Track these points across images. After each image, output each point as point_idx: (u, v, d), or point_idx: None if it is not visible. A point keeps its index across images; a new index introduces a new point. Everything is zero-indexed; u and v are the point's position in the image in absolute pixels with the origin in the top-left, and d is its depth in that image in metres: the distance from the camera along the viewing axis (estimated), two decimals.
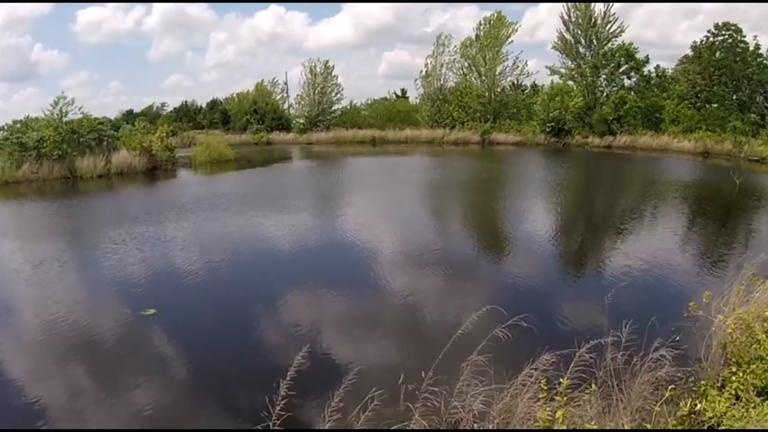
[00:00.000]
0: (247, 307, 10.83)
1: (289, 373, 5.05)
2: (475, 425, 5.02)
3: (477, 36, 57.80)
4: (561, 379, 5.07)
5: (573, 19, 52.79)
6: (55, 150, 30.63)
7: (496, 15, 56.98)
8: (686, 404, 5.31)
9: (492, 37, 56.40)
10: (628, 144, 46.64)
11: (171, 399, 7.45)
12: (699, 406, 5.42)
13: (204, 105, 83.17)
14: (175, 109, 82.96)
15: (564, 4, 52.89)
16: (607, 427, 5.02)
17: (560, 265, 14.00)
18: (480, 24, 58.17)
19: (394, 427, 5.26)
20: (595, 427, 4.69)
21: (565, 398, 4.89)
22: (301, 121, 65.40)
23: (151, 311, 10.24)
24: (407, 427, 5.17)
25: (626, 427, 4.62)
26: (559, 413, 4.55)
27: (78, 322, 9.91)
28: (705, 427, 5.36)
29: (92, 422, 6.85)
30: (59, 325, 9.79)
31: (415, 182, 29.63)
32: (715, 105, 47.92)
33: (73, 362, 8.50)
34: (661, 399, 5.32)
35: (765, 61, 48.55)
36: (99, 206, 24.07)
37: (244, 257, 14.54)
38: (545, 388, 5.03)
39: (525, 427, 4.94)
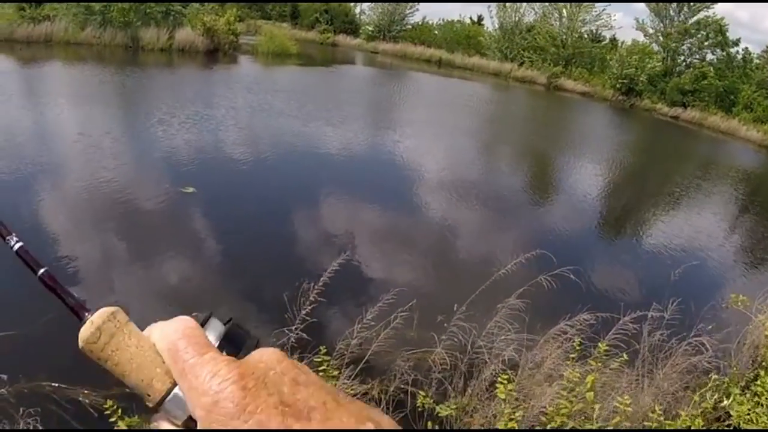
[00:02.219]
0: (288, 204, 10.80)
1: (322, 279, 4.95)
2: (499, 369, 4.86)
3: None
4: (599, 343, 4.89)
5: None
6: (120, 17, 30.35)
7: None
8: (712, 398, 5.12)
9: None
10: (696, 120, 44.70)
11: (195, 275, 7.51)
12: (724, 402, 5.25)
13: None
14: None
15: None
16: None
17: (615, 226, 13.69)
18: None
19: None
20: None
21: (600, 364, 4.72)
22: (371, 28, 63.91)
23: (191, 189, 10.27)
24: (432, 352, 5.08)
25: (657, 408, 4.44)
26: (590, 378, 4.39)
27: (120, 189, 9.97)
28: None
29: (116, 283, 6.96)
30: (102, 189, 9.88)
31: (475, 112, 29.01)
32: None
33: (108, 225, 8.62)
34: (688, 386, 5.17)
35: None
36: (158, 80, 24.01)
37: (290, 154, 14.45)
38: (578, 348, 4.86)
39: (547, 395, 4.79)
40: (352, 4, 68.89)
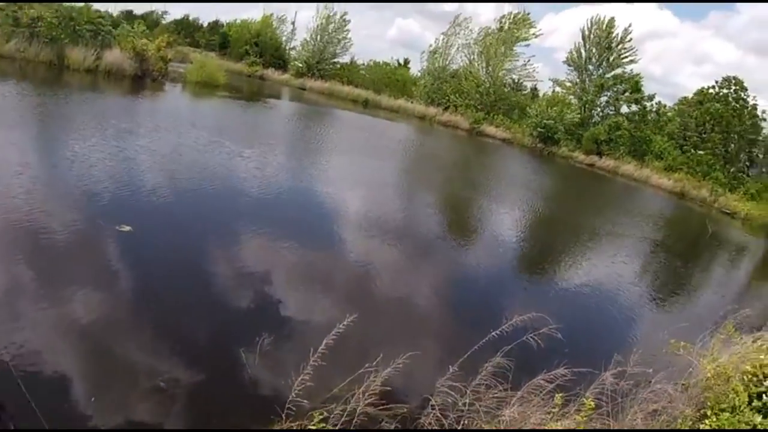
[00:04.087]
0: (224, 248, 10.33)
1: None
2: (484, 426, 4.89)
3: (500, 28, 58.60)
4: (584, 399, 5.02)
5: (592, 37, 54.44)
6: (48, 32, 29.22)
7: (522, 14, 58.50)
8: None
9: (511, 34, 57.48)
10: (611, 168, 47.15)
11: (115, 317, 6.94)
12: None
13: (205, 24, 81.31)
14: (175, 21, 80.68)
15: (586, 21, 53.90)
16: None
17: (535, 271, 14.04)
18: (504, 17, 59.25)
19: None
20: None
21: (584, 417, 4.83)
22: (300, 64, 64.11)
23: (127, 228, 9.51)
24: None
25: None
26: None
27: (45, 225, 8.99)
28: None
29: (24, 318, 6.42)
30: (24, 225, 8.78)
31: (397, 151, 29.71)
32: (702, 152, 48.74)
33: (27, 261, 7.74)
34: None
35: (759, 122, 49.71)
36: (82, 103, 22.65)
37: (220, 190, 13.84)
38: (559, 403, 4.98)
39: None
40: (283, 38, 69.25)
